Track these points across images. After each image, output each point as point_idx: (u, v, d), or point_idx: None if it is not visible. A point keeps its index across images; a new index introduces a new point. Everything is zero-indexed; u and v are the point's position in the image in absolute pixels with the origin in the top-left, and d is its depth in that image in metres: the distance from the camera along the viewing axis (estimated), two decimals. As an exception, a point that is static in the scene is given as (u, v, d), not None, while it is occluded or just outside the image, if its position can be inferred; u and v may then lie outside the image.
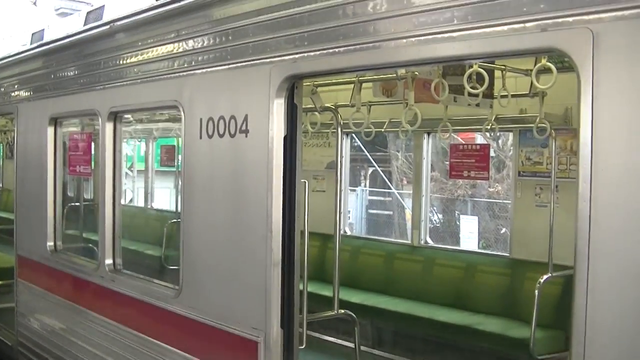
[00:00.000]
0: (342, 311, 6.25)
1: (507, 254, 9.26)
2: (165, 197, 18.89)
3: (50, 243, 8.35)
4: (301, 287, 5.16)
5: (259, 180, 4.99)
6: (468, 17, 3.81)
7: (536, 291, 7.51)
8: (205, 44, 5.61)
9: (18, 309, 9.22)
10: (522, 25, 3.55)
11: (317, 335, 9.28)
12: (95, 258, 8.00)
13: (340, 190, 6.20)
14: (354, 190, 21.47)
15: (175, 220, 12.73)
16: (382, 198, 24.00)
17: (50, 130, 8.29)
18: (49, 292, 8.42)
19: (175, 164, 15.13)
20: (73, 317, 7.83)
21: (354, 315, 6.71)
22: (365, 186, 23.76)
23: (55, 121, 8.27)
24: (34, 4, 27.55)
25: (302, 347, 5.18)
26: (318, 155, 10.67)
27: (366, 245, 10.54)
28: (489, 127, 8.13)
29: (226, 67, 5.36)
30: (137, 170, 18.31)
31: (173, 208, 17.24)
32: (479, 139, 15.43)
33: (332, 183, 9.86)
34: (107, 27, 7.11)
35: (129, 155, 17.90)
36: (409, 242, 10.16)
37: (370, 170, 23.65)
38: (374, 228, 22.34)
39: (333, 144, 10.22)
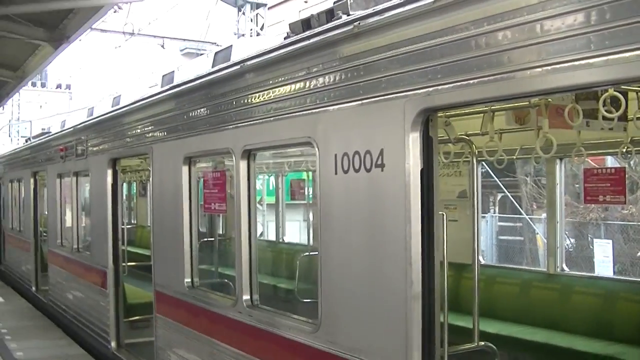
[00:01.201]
0: (483, 343, 6.15)
1: (649, 280, 8.97)
2: (294, 230, 19.06)
3: (187, 279, 8.54)
4: (441, 319, 5.11)
5: (397, 213, 4.98)
6: (605, 42, 3.72)
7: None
8: (336, 80, 5.65)
9: (157, 343, 9.45)
10: None
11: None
12: (231, 293, 8.14)
13: (477, 220, 6.13)
14: (484, 217, 21.24)
15: (307, 253, 12.84)
16: (511, 224, 23.66)
17: (185, 169, 8.50)
18: (187, 326, 8.60)
19: (305, 197, 15.26)
20: (210, 351, 7.96)
21: (494, 347, 6.61)
22: (494, 212, 23.49)
23: (190, 160, 8.48)
24: (162, 46, 28.46)
25: None
26: (449, 185, 10.56)
27: (500, 274, 10.38)
28: (624, 150, 7.91)
29: (359, 102, 5.38)
30: (267, 204, 18.58)
31: (303, 241, 17.41)
32: (609, 161, 15.02)
33: (464, 212, 9.78)
34: (238, 67, 7.26)
35: (259, 189, 18.16)
36: (545, 269, 9.95)
37: (499, 196, 23.38)
38: (504, 255, 22.03)
39: (464, 173, 10.14)
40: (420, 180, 4.90)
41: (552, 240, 9.82)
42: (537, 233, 21.51)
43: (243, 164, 7.16)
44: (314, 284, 6.06)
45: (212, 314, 7.93)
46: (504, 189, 22.22)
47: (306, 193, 15.22)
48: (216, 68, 7.99)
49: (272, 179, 16.82)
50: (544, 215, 20.97)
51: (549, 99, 6.45)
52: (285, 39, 6.79)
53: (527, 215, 22.81)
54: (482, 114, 7.08)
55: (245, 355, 7.19)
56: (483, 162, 11.02)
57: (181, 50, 43.25)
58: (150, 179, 9.76)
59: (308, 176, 14.75)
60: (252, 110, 6.97)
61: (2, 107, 30.59)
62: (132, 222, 21.60)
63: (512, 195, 23.00)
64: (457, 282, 10.10)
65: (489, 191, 22.56)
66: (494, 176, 20.77)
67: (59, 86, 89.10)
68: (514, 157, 9.02)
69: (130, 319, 11.95)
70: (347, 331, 5.61)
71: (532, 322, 9.38)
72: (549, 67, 3.99)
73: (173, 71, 12.75)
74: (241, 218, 7.23)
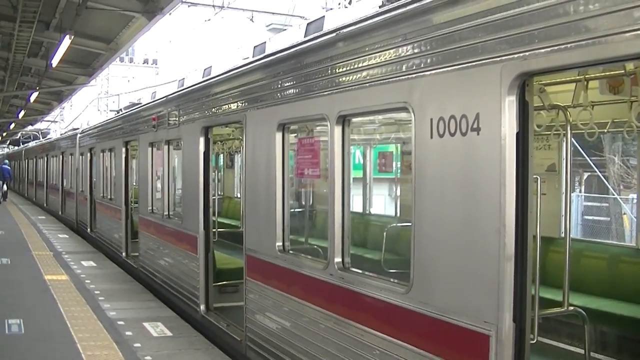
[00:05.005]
0: (572, 308, 6.22)
1: None
2: (380, 204, 19.12)
3: (279, 243, 8.76)
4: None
5: (492, 175, 5.08)
6: None
7: None
8: (433, 46, 5.75)
9: (247, 306, 9.72)
10: None
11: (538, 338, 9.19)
12: (320, 257, 8.33)
13: (569, 189, 6.19)
14: (569, 196, 20.96)
15: (394, 225, 12.96)
16: (597, 204, 23.39)
17: (279, 136, 8.70)
18: (276, 289, 8.83)
19: (393, 170, 15.29)
20: (300, 312, 8.18)
21: (583, 312, 6.67)
22: (580, 192, 23.24)
23: (283, 127, 8.68)
24: (251, 19, 28.80)
25: (534, 341, 5.23)
26: (538, 158, 10.54)
27: (588, 248, 10.33)
28: None
29: (456, 67, 5.48)
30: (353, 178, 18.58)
31: (389, 213, 17.49)
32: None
33: (553, 185, 9.77)
34: (334, 35, 7.42)
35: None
36: (634, 244, 9.88)
37: (586, 175, 23.12)
38: (590, 234, 21.79)
39: (553, 147, 10.12)
40: (516, 145, 4.99)
41: (643, 216, 9.75)
42: (625, 213, 21.23)
43: (338, 130, 7.31)
44: (400, 254, 6.18)
45: (302, 276, 8.12)
46: (593, 166, 21.90)
47: (394, 167, 15.21)
48: (312, 36, 8.14)
49: (358, 153, 16.86)
50: (631, 195, 20.69)
51: (644, 68, 6.46)
52: (380, 7, 6.91)
53: (613, 195, 22.51)
54: (574, 84, 7.10)
55: (335, 317, 7.36)
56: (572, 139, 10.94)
57: (267, 26, 43.76)
58: (244, 144, 9.97)
59: (396, 148, 14.79)
60: (347, 76, 7.10)
61: (94, 80, 31.29)
62: (219, 193, 21.95)
63: (597, 175, 22.70)
64: (543, 255, 10.10)
65: (575, 170, 22.32)
66: (584, 153, 20.47)
67: (145, 61, 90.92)
68: (605, 130, 8.98)
69: (219, 283, 12.26)
70: (439, 292, 5.73)
71: (620, 296, 9.34)
72: (637, 32, 4.04)
73: (264, 42, 13.00)
74: (335, 182, 7.39)
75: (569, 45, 4.51)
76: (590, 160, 21.88)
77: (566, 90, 7.61)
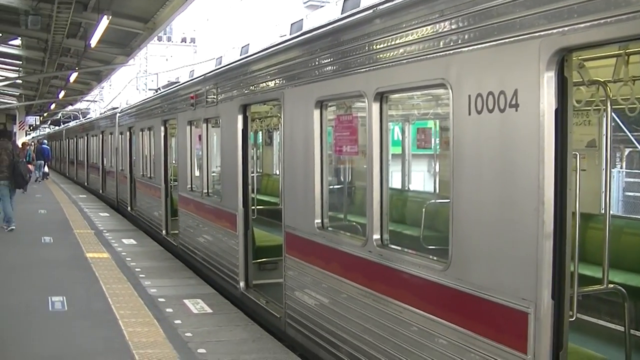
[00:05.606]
0: (612, 285, 6.18)
1: None
2: (419, 180, 19.02)
3: (317, 220, 8.79)
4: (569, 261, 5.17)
5: (531, 152, 5.05)
6: None
7: None
8: (470, 22, 5.71)
9: (286, 283, 9.77)
10: None
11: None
12: (358, 234, 8.34)
13: (608, 166, 6.12)
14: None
15: (433, 201, 12.92)
16: (639, 180, 23.12)
17: (317, 113, 8.71)
18: (315, 265, 8.87)
19: (432, 146, 15.21)
20: (339, 289, 8.20)
21: (623, 290, 6.63)
22: (621, 168, 22.96)
23: (321, 104, 8.68)
24: (289, -4, 28.78)
25: (573, 319, 5.21)
26: (577, 134, 10.44)
27: (628, 224, 10.23)
28: None
29: (494, 43, 5.44)
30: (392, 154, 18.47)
31: (428, 190, 17.40)
32: None
33: (593, 161, 9.67)
34: (371, 11, 7.38)
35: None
36: (677, 221, 9.77)
37: (627, 151, 22.82)
38: (631, 210, 21.54)
39: (593, 122, 10.01)
40: (555, 121, 4.96)
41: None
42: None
43: (375, 106, 7.30)
44: (439, 231, 6.17)
45: (341, 253, 8.15)
46: (635, 142, 21.56)
47: (433, 143, 15.10)
48: (349, 13, 8.11)
49: (397, 130, 16.75)
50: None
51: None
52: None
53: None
54: (614, 58, 7.01)
55: (373, 293, 7.38)
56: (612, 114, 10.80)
57: (304, 3, 43.74)
58: (282, 122, 9.99)
59: (435, 124, 14.70)
60: (384, 53, 7.07)
61: (133, 59, 31.47)
62: (258, 170, 22.02)
63: (639, 151, 22.39)
64: (583, 232, 10.01)
65: (616, 146, 22.01)
66: (625, 129, 20.16)
67: (183, 40, 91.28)
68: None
69: (258, 260, 12.32)
70: (478, 269, 5.72)
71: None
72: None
73: (302, 19, 13.01)
74: (373, 160, 7.39)
75: (608, 20, 4.45)
76: (632, 135, 21.56)
77: (606, 65, 7.51)
